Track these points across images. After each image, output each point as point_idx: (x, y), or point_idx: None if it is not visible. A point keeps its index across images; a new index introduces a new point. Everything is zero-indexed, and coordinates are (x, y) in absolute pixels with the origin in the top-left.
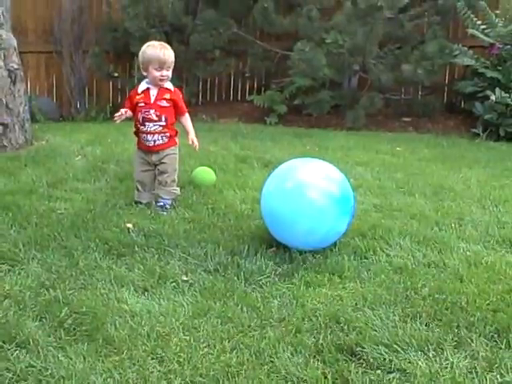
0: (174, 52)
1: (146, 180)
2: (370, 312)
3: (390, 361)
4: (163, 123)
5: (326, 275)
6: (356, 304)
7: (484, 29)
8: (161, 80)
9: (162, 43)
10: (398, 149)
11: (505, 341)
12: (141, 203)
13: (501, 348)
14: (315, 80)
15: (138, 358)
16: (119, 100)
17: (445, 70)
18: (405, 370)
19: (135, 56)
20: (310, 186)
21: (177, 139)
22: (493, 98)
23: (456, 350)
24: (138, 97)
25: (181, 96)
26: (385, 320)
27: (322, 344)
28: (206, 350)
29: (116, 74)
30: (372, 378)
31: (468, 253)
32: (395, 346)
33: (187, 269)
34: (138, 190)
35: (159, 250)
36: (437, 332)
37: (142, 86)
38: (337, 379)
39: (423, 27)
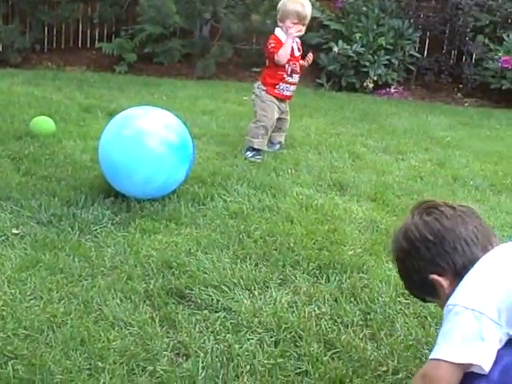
0: None
1: (274, 126)
2: (202, 256)
3: (218, 301)
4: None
5: (163, 222)
6: (190, 249)
7: None
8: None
9: None
10: (244, 98)
11: (325, 276)
12: (262, 155)
13: (321, 283)
14: (166, 28)
15: None
16: None
17: None
18: (230, 309)
19: None
20: (148, 134)
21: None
22: (335, 49)
23: (280, 287)
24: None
25: None
26: (216, 263)
27: (152, 289)
28: (32, 302)
29: None
30: (198, 318)
31: (301, 196)
32: (223, 286)
33: (19, 221)
34: (264, 137)
35: None
36: (264, 271)
37: (283, 37)
38: (164, 321)
39: None
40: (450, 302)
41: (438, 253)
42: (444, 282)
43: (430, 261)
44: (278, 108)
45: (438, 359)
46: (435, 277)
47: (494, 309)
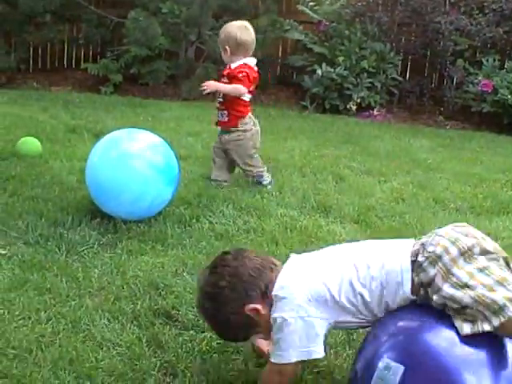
0: (0, 14)
1: (216, 155)
2: (188, 277)
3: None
4: (221, 99)
5: (150, 244)
6: (176, 270)
7: (313, 6)
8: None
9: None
10: None
11: None
12: (210, 180)
13: None
14: (151, 49)
15: None
16: None
17: (278, 44)
18: None
19: None
20: (134, 156)
21: (241, 121)
22: (319, 72)
23: None
24: None
25: (244, 73)
26: None
27: (139, 310)
28: (20, 322)
29: None
30: (185, 338)
31: (285, 218)
32: None
33: (6, 242)
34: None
35: None
36: None
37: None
38: (151, 342)
39: (258, 1)
40: (273, 316)
41: (242, 287)
42: (259, 306)
43: (239, 297)
44: (218, 139)
45: (286, 364)
46: (251, 305)
47: (311, 306)
